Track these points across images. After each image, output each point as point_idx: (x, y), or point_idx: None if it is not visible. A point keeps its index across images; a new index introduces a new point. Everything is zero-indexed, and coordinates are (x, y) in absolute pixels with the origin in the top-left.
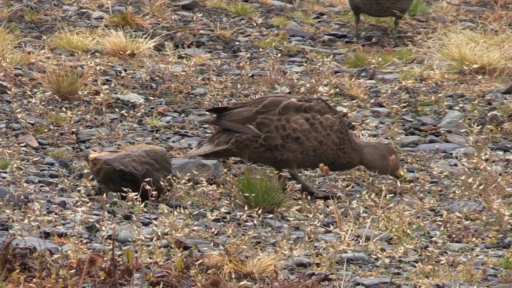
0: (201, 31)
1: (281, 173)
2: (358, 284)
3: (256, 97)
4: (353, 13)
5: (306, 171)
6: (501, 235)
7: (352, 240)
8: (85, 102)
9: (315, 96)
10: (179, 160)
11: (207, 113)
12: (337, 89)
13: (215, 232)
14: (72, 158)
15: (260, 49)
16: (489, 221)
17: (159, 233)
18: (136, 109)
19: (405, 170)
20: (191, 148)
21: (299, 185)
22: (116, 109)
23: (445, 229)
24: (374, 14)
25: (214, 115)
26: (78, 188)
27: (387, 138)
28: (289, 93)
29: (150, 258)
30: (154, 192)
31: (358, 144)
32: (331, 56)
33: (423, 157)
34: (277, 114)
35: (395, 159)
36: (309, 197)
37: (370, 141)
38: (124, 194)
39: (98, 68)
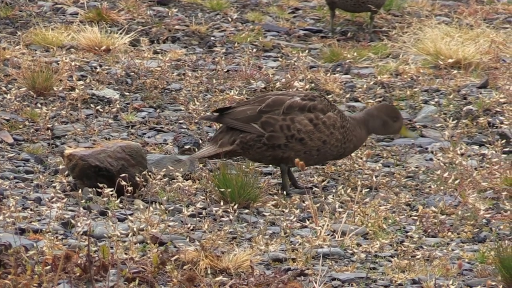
0: (176, 27)
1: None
2: (334, 279)
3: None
4: (328, 8)
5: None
6: (476, 230)
7: (328, 235)
8: (60, 98)
9: (316, 93)
10: (155, 155)
11: (182, 108)
12: (313, 84)
13: (191, 228)
14: (48, 154)
15: (236, 44)
16: (464, 216)
17: (135, 229)
18: (111, 105)
19: (408, 129)
20: (167, 144)
21: (278, 181)
22: (92, 105)
23: (421, 224)
24: (349, 9)
25: (216, 113)
26: (53, 184)
27: None
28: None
29: (125, 254)
30: (130, 188)
31: (357, 119)
32: (307, 51)
33: (398, 152)
34: (281, 114)
35: (399, 120)
36: (285, 192)
37: (367, 108)
38: (99, 190)
39: (73, 64)
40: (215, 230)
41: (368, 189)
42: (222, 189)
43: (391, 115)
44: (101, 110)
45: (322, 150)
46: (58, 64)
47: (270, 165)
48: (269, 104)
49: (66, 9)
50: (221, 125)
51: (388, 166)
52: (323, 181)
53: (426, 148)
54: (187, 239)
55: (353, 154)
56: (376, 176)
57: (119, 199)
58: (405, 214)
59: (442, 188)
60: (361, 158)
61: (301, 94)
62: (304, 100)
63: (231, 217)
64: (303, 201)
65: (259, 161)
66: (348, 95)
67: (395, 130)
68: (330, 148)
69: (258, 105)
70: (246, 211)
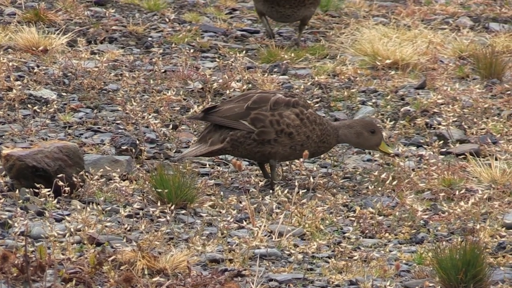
0: (114, 27)
1: (263, 166)
2: (271, 280)
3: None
4: (259, 16)
5: (219, 167)
6: (414, 231)
7: (265, 236)
8: None
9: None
10: (92, 156)
11: (119, 109)
12: (250, 85)
13: (128, 228)
14: None
15: (173, 45)
16: (402, 217)
17: (72, 229)
18: (48, 105)
19: (389, 145)
20: (104, 144)
21: (212, 181)
22: (29, 105)
23: (358, 225)
24: (277, 20)
25: (202, 112)
26: None
27: None
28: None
29: (63, 254)
30: (67, 188)
31: (333, 127)
32: (244, 51)
33: (336, 152)
34: (269, 110)
35: (376, 134)
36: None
37: (346, 120)
38: (36, 190)
39: (10, 64)
40: (152, 231)
41: (305, 190)
42: (159, 190)
43: (366, 127)
44: (38, 110)
45: (305, 145)
46: None
47: (256, 161)
48: (255, 101)
49: (3, 9)
50: (208, 124)
51: (326, 167)
52: (261, 181)
53: (364, 149)
54: (124, 240)
55: None
56: (313, 177)
57: (56, 200)
58: (343, 215)
59: (379, 189)
60: (298, 159)
61: (281, 91)
62: (287, 97)
63: (168, 218)
64: (240, 202)
65: (247, 157)
66: None
67: (371, 143)
68: (311, 144)
69: (243, 102)
70: (183, 211)
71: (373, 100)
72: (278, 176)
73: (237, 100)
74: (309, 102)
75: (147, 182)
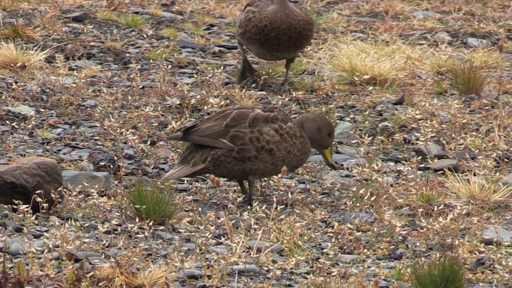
0: (92, 43)
1: (243, 183)
2: None
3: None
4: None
5: (197, 183)
6: (392, 247)
7: (244, 251)
8: None
9: (273, 104)
10: (70, 172)
11: (97, 125)
12: (228, 101)
13: (106, 244)
14: None
15: (151, 61)
16: (380, 233)
17: (50, 246)
18: (27, 121)
19: (332, 154)
20: (82, 160)
21: (190, 197)
22: (7, 121)
23: (337, 241)
24: (267, 59)
25: (181, 132)
26: None
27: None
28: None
29: (41, 270)
30: (45, 204)
31: (300, 123)
32: (222, 67)
33: (314, 168)
34: (248, 127)
35: (331, 138)
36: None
37: (310, 114)
38: (15, 207)
39: None
40: (130, 247)
41: (284, 206)
42: (137, 206)
43: (327, 127)
44: (16, 126)
45: (286, 160)
46: None
47: (235, 179)
48: (234, 118)
49: None
50: (188, 144)
51: (304, 183)
52: (238, 197)
53: (342, 165)
54: (103, 256)
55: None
56: (291, 193)
57: (34, 216)
58: (321, 231)
59: (358, 204)
60: (276, 175)
61: (259, 106)
62: (265, 112)
63: (146, 234)
64: (218, 218)
65: (228, 176)
66: None
67: (323, 144)
68: (292, 158)
69: (222, 120)
70: (161, 227)
71: (351, 116)
72: (257, 191)
73: (216, 118)
74: (288, 115)
75: (125, 198)
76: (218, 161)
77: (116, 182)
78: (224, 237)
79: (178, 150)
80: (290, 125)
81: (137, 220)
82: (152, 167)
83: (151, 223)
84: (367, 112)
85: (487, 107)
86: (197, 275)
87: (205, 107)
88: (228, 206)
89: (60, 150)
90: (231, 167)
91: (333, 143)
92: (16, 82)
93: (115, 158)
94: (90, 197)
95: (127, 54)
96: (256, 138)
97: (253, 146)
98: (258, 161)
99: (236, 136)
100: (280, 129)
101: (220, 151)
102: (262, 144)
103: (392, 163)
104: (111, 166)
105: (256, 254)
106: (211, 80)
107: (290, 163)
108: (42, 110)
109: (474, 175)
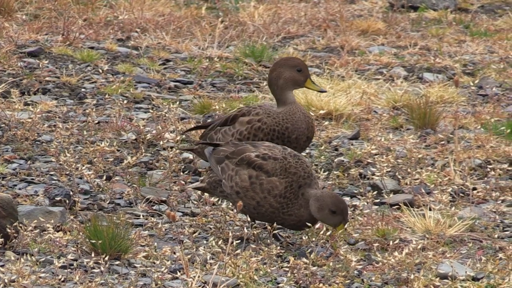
0: (47, 78)
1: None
2: None
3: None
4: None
5: (152, 217)
6: (348, 281)
7: (199, 286)
8: None
9: (288, 151)
10: (26, 207)
11: (53, 160)
12: (184, 136)
13: (62, 279)
14: None
15: (106, 96)
16: (336, 267)
17: (6, 280)
18: None
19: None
20: (38, 195)
21: (146, 232)
22: None
23: (292, 275)
24: None
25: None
26: None
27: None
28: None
29: None
30: (1, 239)
31: (306, 198)
32: (178, 102)
33: None
34: (234, 164)
35: (337, 216)
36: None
37: (319, 191)
38: None
39: None
40: (86, 282)
41: (239, 241)
42: (93, 241)
43: (335, 205)
44: None
45: (259, 210)
46: None
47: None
48: (234, 152)
49: None
50: None
51: None
52: (194, 232)
53: None
54: None
55: (223, 205)
56: (247, 227)
57: None
58: (277, 266)
59: (313, 239)
60: (232, 210)
61: (264, 150)
62: (257, 158)
63: (102, 269)
64: (174, 253)
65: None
66: None
67: (330, 222)
68: (267, 211)
69: (233, 146)
70: (117, 262)
71: (307, 151)
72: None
73: (232, 143)
74: (293, 172)
75: (81, 233)
76: (212, 185)
77: (71, 217)
78: (180, 271)
79: (134, 185)
80: (273, 179)
81: (93, 255)
82: (107, 202)
83: (107, 258)
84: (323, 147)
85: (442, 142)
86: None
87: (161, 142)
88: (184, 241)
89: (15, 185)
90: (224, 195)
91: None
92: None
93: (71, 193)
94: (45, 232)
95: (83, 89)
96: (230, 177)
97: (228, 183)
98: (231, 199)
99: (223, 169)
100: (256, 178)
101: (214, 177)
102: (231, 184)
103: (348, 198)
104: (67, 201)
105: None
106: (167, 115)
107: (268, 215)
108: None
109: (430, 209)
